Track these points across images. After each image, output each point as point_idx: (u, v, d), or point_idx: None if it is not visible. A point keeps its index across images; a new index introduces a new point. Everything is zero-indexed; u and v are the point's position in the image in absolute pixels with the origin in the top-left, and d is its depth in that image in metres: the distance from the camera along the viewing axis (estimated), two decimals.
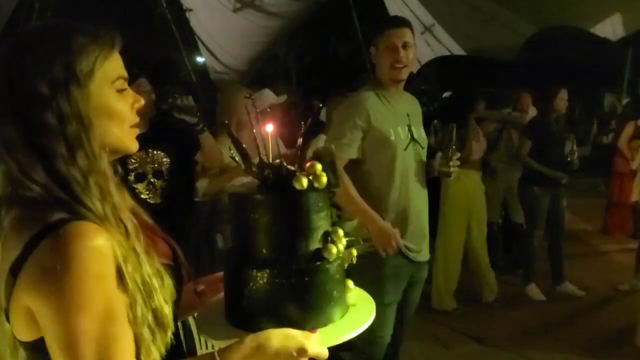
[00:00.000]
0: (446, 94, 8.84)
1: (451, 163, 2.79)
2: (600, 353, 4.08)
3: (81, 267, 0.93)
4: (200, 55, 8.97)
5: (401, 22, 2.79)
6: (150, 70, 3.23)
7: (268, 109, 3.73)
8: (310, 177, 1.12)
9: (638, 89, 9.44)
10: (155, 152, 3.00)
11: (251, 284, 1.11)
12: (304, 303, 1.11)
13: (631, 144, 6.62)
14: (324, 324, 1.12)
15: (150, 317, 1.02)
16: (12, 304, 0.99)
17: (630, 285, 5.24)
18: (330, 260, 1.13)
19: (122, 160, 1.22)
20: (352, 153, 2.71)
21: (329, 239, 1.14)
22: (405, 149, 2.75)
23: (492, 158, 5.57)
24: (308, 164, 1.13)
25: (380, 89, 2.80)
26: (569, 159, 5.11)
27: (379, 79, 2.82)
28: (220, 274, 1.29)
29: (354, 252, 1.22)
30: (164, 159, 3.03)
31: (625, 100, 8.68)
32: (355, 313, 1.19)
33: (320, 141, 3.73)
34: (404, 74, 2.76)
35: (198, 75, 8.96)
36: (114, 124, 1.08)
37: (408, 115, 2.81)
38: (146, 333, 1.01)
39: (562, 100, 5.16)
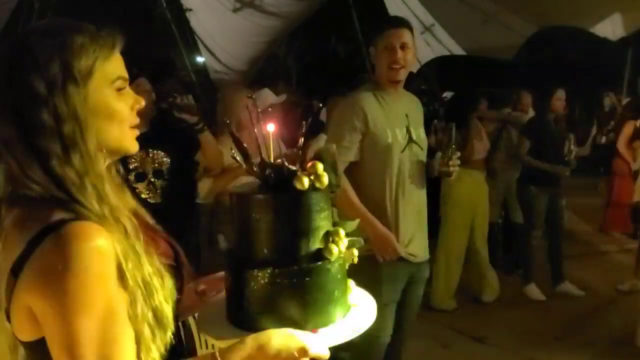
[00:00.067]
0: (446, 94, 8.83)
1: (451, 162, 2.77)
2: (600, 353, 4.08)
3: (82, 267, 0.93)
4: (200, 55, 8.98)
5: (400, 23, 2.77)
6: (150, 70, 3.24)
7: (269, 109, 3.73)
8: (312, 177, 1.11)
9: (638, 89, 9.44)
10: (155, 151, 3.01)
11: (252, 283, 1.10)
12: (305, 303, 1.10)
13: (633, 144, 6.61)
14: (325, 324, 1.12)
15: (150, 315, 1.02)
16: (13, 304, 0.99)
17: (630, 285, 5.24)
18: (332, 260, 1.13)
19: (122, 160, 1.22)
20: (353, 155, 2.71)
21: (330, 239, 1.14)
22: (403, 151, 2.73)
23: (492, 158, 5.57)
24: (309, 164, 1.13)
25: (378, 89, 2.78)
26: (566, 158, 5.11)
27: (377, 80, 2.81)
28: (221, 274, 1.29)
29: (355, 252, 1.22)
30: (164, 159, 3.04)
31: (625, 101, 8.67)
32: (357, 313, 1.19)
33: (321, 141, 3.73)
34: (402, 75, 2.74)
35: (198, 75, 8.97)
36: (114, 124, 1.08)
37: (407, 116, 2.78)
38: (146, 331, 1.01)
39: (558, 100, 5.16)
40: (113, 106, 1.08)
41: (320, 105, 5.91)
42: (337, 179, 1.17)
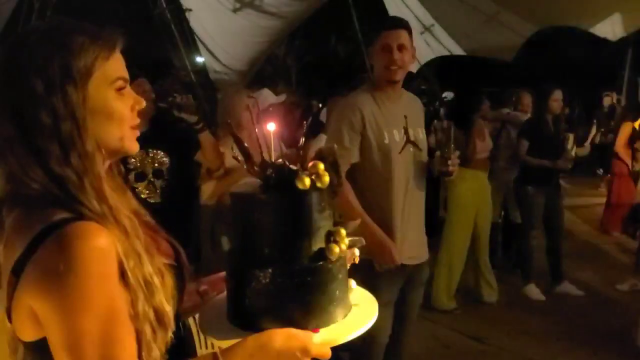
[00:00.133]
0: (446, 94, 8.85)
1: (450, 162, 2.74)
2: (600, 353, 4.08)
3: (84, 267, 0.93)
4: (200, 55, 8.98)
5: (397, 24, 2.75)
6: (149, 69, 3.24)
7: (270, 109, 3.73)
8: (313, 177, 1.11)
9: (638, 89, 9.45)
10: (155, 151, 3.01)
11: (253, 283, 1.10)
12: (306, 303, 1.10)
13: (635, 144, 6.61)
14: (327, 324, 1.12)
15: (151, 314, 1.02)
16: (14, 304, 0.99)
17: (629, 285, 5.24)
18: (333, 260, 1.13)
19: (122, 160, 1.22)
20: (354, 156, 2.69)
21: (332, 238, 1.14)
22: (401, 152, 2.72)
23: (492, 158, 5.57)
24: (310, 164, 1.13)
25: (376, 90, 2.77)
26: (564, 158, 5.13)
27: (375, 80, 2.80)
28: (222, 274, 1.29)
29: (357, 252, 1.22)
30: (164, 159, 3.04)
31: (623, 101, 8.70)
32: (358, 313, 1.18)
33: (321, 141, 3.73)
34: (399, 75, 2.72)
35: (198, 75, 8.97)
36: (113, 124, 1.08)
37: (405, 117, 2.77)
38: (148, 330, 1.01)
39: (555, 101, 5.15)
40: (113, 106, 1.07)
41: (320, 105, 5.91)
42: (338, 178, 1.17)
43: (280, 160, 1.13)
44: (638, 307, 4.37)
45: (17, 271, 0.96)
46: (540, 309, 4.94)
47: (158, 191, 3.01)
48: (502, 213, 6.05)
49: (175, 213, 2.74)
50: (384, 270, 2.64)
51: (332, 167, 1.15)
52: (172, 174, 3.05)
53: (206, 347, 2.13)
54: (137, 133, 1.15)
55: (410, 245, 2.78)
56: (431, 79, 10.30)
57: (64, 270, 0.92)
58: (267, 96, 3.98)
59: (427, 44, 9.27)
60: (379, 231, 2.63)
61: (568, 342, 4.26)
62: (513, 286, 5.35)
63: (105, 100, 1.06)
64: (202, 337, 2.07)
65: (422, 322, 4.31)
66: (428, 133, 3.02)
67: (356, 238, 1.20)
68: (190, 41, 8.66)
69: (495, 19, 8.16)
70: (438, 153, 2.80)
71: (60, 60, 1.01)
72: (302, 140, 1.18)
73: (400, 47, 2.66)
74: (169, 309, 1.06)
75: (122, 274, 0.98)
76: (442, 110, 6.94)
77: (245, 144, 1.19)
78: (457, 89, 7.74)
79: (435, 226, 6.30)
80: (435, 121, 5.87)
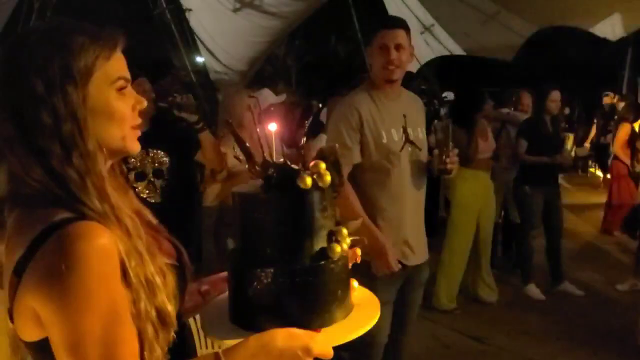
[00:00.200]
0: (446, 94, 8.84)
1: (448, 160, 2.72)
2: (600, 353, 4.08)
3: (86, 267, 0.93)
4: (200, 55, 8.96)
5: (394, 24, 2.74)
6: (149, 69, 3.23)
7: (272, 108, 3.73)
8: (314, 176, 1.11)
9: (638, 89, 9.45)
10: (155, 151, 3.00)
11: (255, 283, 1.10)
12: (308, 302, 1.10)
13: (637, 144, 6.60)
14: (329, 324, 1.12)
15: (153, 314, 1.02)
16: (16, 304, 0.99)
17: (630, 285, 5.24)
18: (335, 259, 1.13)
19: (122, 160, 1.21)
20: (357, 156, 2.68)
21: (333, 238, 1.14)
22: (399, 152, 2.70)
23: (494, 158, 5.57)
24: (312, 163, 1.13)
25: (374, 89, 2.76)
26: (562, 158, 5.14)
27: (373, 80, 2.79)
28: (224, 274, 1.29)
29: (358, 251, 1.22)
30: (164, 159, 3.03)
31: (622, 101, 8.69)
32: (360, 313, 1.18)
33: (322, 141, 3.74)
34: (397, 75, 2.71)
35: (198, 75, 8.96)
36: (114, 124, 1.08)
37: (404, 116, 2.75)
38: (150, 330, 1.01)
39: (552, 102, 5.15)
40: (113, 106, 1.07)
41: (320, 105, 5.91)
42: (340, 177, 1.17)
43: (282, 159, 1.13)
44: (638, 307, 4.37)
45: (18, 271, 0.96)
46: (540, 308, 4.94)
47: (158, 191, 3.00)
48: (502, 213, 6.05)
49: (175, 213, 2.73)
50: (380, 275, 2.63)
51: (334, 167, 1.15)
52: (172, 173, 3.05)
53: (206, 347, 2.13)
54: (139, 133, 1.14)
55: (410, 245, 2.77)
56: (431, 79, 10.30)
57: (65, 270, 0.92)
58: (267, 96, 3.97)
59: (427, 43, 9.26)
60: (378, 233, 2.62)
61: (568, 342, 4.26)
62: (513, 286, 5.36)
63: (106, 100, 1.06)
64: (202, 336, 2.08)
65: (422, 322, 4.31)
66: (428, 133, 3.01)
67: (358, 238, 1.20)
68: (190, 41, 8.64)
69: (495, 19, 8.17)
70: (436, 151, 2.79)
71: (60, 61, 1.01)
72: (304, 140, 1.18)
73: (398, 47, 2.65)
74: (170, 309, 1.06)
75: (124, 274, 0.98)
76: (442, 110, 6.94)
77: (247, 144, 1.19)
78: (457, 89, 7.72)
79: (435, 226, 6.31)
80: (436, 121, 5.86)
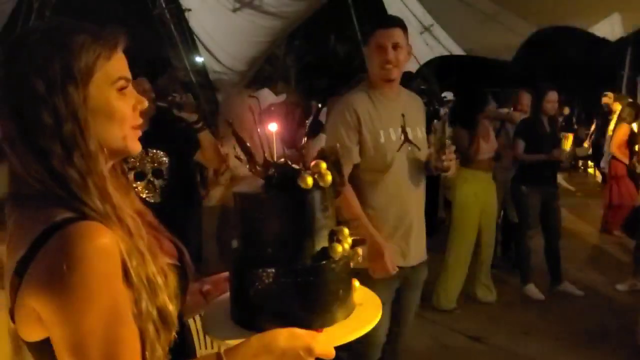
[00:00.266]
0: (445, 94, 8.85)
1: (444, 157, 2.70)
2: (600, 353, 4.08)
3: (87, 268, 0.93)
4: (199, 55, 8.96)
5: (391, 23, 2.72)
6: (148, 68, 3.23)
7: (272, 108, 3.73)
8: (315, 176, 1.11)
9: (637, 89, 9.46)
10: (154, 151, 3.00)
11: (257, 283, 1.10)
12: (310, 302, 1.10)
13: (638, 144, 6.61)
14: (330, 324, 1.12)
15: (155, 314, 1.02)
16: (17, 304, 0.98)
17: (629, 284, 5.24)
18: (336, 259, 1.13)
19: (121, 159, 1.21)
20: (356, 157, 2.66)
21: (335, 238, 1.14)
22: (397, 151, 2.69)
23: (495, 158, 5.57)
24: (313, 163, 1.13)
25: (372, 89, 2.74)
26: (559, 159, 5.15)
27: (371, 79, 2.77)
28: (225, 274, 1.29)
29: (360, 251, 1.21)
30: (164, 158, 3.02)
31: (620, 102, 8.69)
32: (362, 312, 1.18)
33: (321, 141, 3.73)
34: (394, 74, 2.69)
35: (197, 75, 8.96)
36: (115, 124, 1.07)
37: (403, 115, 2.74)
38: (151, 330, 1.01)
39: (549, 102, 5.14)
40: (114, 106, 1.06)
41: (320, 105, 5.90)
42: (341, 177, 1.17)
43: (283, 159, 1.13)
44: (638, 307, 4.37)
45: (20, 271, 0.96)
46: (539, 308, 4.94)
47: (157, 191, 3.00)
48: (502, 213, 6.05)
49: (174, 213, 2.73)
50: (377, 279, 2.61)
51: (335, 167, 1.15)
52: (172, 173, 3.04)
53: (205, 347, 2.13)
54: (139, 133, 1.14)
55: (408, 246, 2.76)
56: (431, 79, 10.30)
57: (67, 270, 0.91)
58: (267, 96, 3.97)
59: (427, 44, 9.27)
60: (376, 235, 2.60)
61: (567, 341, 4.26)
62: (512, 286, 5.35)
63: (107, 100, 1.06)
64: (201, 336, 2.08)
65: (421, 322, 4.31)
66: (428, 133, 2.99)
67: (359, 237, 1.20)
68: (190, 41, 8.65)
69: (495, 19, 8.17)
70: (432, 148, 2.77)
71: (61, 60, 1.01)
72: (305, 139, 1.18)
73: (395, 46, 2.64)
74: (172, 309, 1.06)
75: (126, 274, 0.98)
76: (442, 110, 6.93)
77: (248, 144, 1.19)
78: (456, 89, 7.73)
79: (434, 226, 6.31)
80: (435, 121, 5.85)
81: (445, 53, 9.64)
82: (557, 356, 4.08)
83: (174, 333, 1.08)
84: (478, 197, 4.86)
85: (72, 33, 1.04)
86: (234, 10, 7.96)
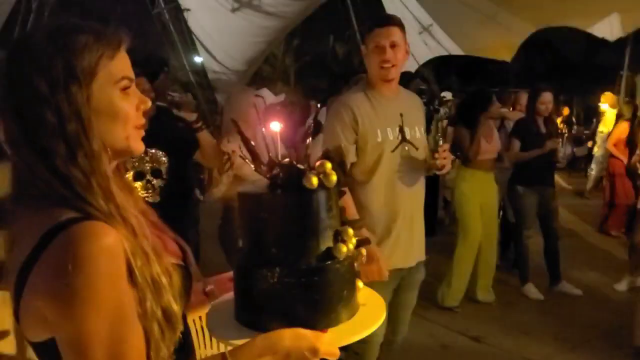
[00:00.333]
0: (444, 94, 8.85)
1: (437, 155, 2.67)
2: (599, 352, 4.08)
3: (92, 268, 0.92)
4: (198, 55, 8.96)
5: (388, 22, 2.70)
6: (150, 68, 3.22)
7: (278, 107, 3.73)
8: (321, 176, 1.11)
9: (636, 89, 9.47)
10: (153, 151, 2.99)
11: (261, 283, 1.10)
12: (314, 302, 1.10)
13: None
14: (335, 324, 1.12)
15: (159, 313, 1.02)
16: (22, 305, 0.98)
17: (627, 283, 5.24)
18: (341, 259, 1.13)
19: None
20: (353, 156, 2.64)
21: (339, 238, 1.14)
22: (394, 151, 2.67)
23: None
24: (318, 163, 1.13)
25: (370, 88, 2.73)
26: (553, 159, 5.14)
27: (369, 79, 2.76)
28: (229, 273, 1.29)
29: (364, 251, 1.21)
30: (163, 158, 3.02)
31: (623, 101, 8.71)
32: (366, 313, 1.18)
33: (320, 141, 3.73)
34: (393, 73, 2.68)
35: (196, 75, 8.96)
36: (118, 124, 1.07)
37: (401, 115, 2.72)
38: (156, 329, 1.01)
39: (542, 104, 5.13)
40: (117, 106, 1.06)
41: (319, 105, 5.90)
42: (345, 178, 1.17)
43: (288, 159, 1.13)
44: (636, 307, 4.37)
45: (24, 272, 0.96)
46: (538, 308, 4.95)
47: (157, 190, 2.99)
48: (501, 213, 6.05)
49: (173, 212, 2.73)
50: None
51: (339, 167, 1.14)
52: (171, 173, 3.04)
53: (205, 347, 2.13)
54: (142, 133, 1.14)
55: (404, 247, 2.74)
56: (430, 79, 10.31)
57: (72, 270, 0.91)
58: (266, 96, 3.97)
59: (426, 43, 9.28)
60: (370, 237, 2.57)
61: (566, 341, 4.27)
62: (511, 286, 5.36)
63: (110, 100, 1.05)
64: (200, 337, 2.07)
65: (420, 321, 4.31)
66: (428, 132, 2.98)
67: (363, 238, 1.20)
68: (189, 41, 8.65)
69: (494, 19, 8.17)
70: (426, 144, 2.76)
71: (64, 60, 1.01)
72: (309, 140, 1.17)
73: (393, 45, 2.62)
74: (176, 309, 1.06)
75: (130, 274, 0.98)
76: (441, 110, 6.93)
77: (253, 143, 1.19)
78: (456, 89, 7.74)
79: (434, 226, 6.31)
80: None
81: (444, 53, 9.64)
82: (556, 356, 4.08)
83: (178, 333, 1.08)
84: (477, 196, 4.86)
85: (74, 33, 1.04)
86: (233, 10, 7.96)
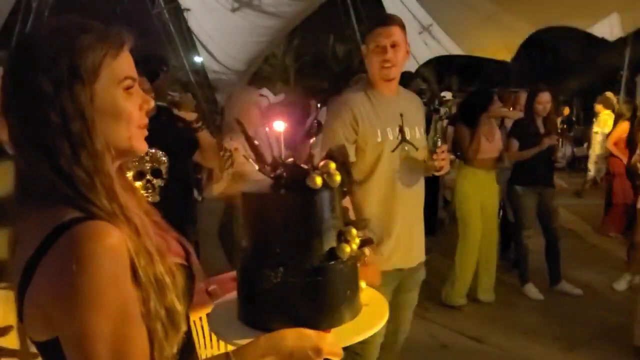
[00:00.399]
0: (444, 94, 8.85)
1: (434, 156, 2.66)
2: (599, 352, 4.09)
3: (96, 267, 0.92)
4: (198, 55, 8.96)
5: (389, 21, 2.69)
6: (150, 68, 3.22)
7: (282, 107, 3.73)
8: (324, 176, 1.11)
9: (636, 89, 9.48)
10: (153, 151, 2.99)
11: (264, 283, 1.10)
12: (317, 303, 1.10)
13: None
14: (338, 324, 1.12)
15: (163, 313, 1.02)
16: (26, 304, 0.98)
17: (626, 282, 5.25)
18: (344, 259, 1.12)
19: None
20: (352, 156, 2.64)
21: (343, 238, 1.14)
22: (393, 151, 2.66)
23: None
24: (322, 163, 1.12)
25: (370, 88, 2.72)
26: (552, 158, 5.14)
27: (369, 79, 2.75)
28: (232, 273, 1.29)
29: (367, 251, 1.21)
30: (163, 158, 3.02)
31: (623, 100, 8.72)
32: (369, 313, 1.18)
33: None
34: (393, 73, 2.67)
35: (196, 75, 8.96)
36: (121, 124, 1.07)
37: (401, 115, 2.71)
38: (159, 329, 1.01)
39: (540, 104, 5.13)
40: (120, 105, 1.06)
41: (319, 105, 5.90)
42: (349, 178, 1.17)
43: (291, 159, 1.13)
44: (636, 307, 4.38)
45: (28, 271, 0.96)
46: (538, 308, 4.95)
47: (157, 190, 2.99)
48: (501, 212, 6.05)
49: (173, 212, 2.72)
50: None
51: (343, 167, 1.14)
52: (171, 173, 3.04)
53: (206, 347, 2.13)
54: (145, 133, 1.14)
55: (404, 247, 2.74)
56: (430, 79, 10.32)
57: (76, 270, 0.91)
58: (267, 95, 3.98)
59: (426, 43, 9.28)
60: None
61: (566, 341, 4.27)
62: (511, 286, 5.36)
63: (113, 100, 1.05)
64: (201, 336, 2.07)
65: (420, 321, 4.31)
66: (428, 133, 2.97)
67: (367, 238, 1.20)
68: (189, 41, 8.65)
69: (494, 19, 8.18)
70: (425, 144, 2.76)
71: (67, 60, 1.00)
72: (313, 139, 1.17)
73: (394, 45, 2.61)
74: (180, 309, 1.06)
75: (134, 273, 0.98)
76: (441, 110, 6.94)
77: (256, 142, 1.19)
78: (455, 89, 7.74)
79: (434, 226, 6.31)
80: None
81: (444, 53, 9.64)
82: (556, 355, 4.08)
83: (182, 333, 1.07)
84: (477, 194, 4.87)
85: (78, 32, 1.04)
86: (233, 10, 7.96)
